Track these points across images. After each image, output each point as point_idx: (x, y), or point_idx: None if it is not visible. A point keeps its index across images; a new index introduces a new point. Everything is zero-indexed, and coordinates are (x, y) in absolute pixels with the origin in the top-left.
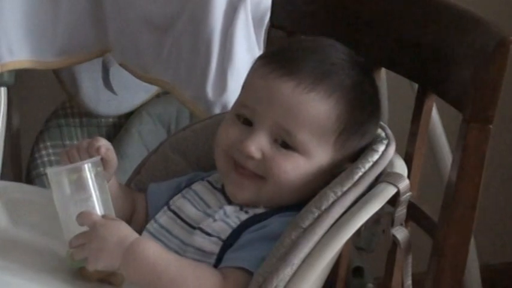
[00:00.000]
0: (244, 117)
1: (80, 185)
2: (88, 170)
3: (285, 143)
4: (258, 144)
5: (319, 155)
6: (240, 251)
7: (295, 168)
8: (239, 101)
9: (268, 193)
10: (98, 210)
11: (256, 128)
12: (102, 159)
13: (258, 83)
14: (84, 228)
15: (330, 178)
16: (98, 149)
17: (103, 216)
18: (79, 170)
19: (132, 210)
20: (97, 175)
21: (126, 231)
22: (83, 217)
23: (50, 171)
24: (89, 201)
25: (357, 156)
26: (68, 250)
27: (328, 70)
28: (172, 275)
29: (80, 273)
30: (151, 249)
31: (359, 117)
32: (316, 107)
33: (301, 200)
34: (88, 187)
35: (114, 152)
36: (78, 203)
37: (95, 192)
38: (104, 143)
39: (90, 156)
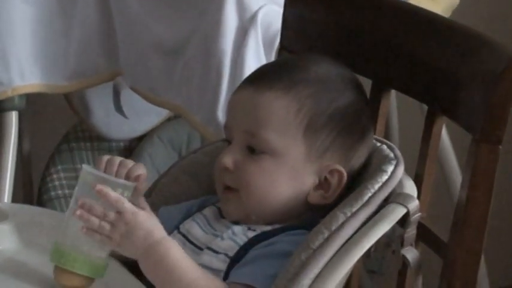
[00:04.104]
0: (228, 137)
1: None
2: (117, 190)
3: (253, 148)
4: (232, 156)
5: (289, 152)
6: (247, 267)
7: (262, 169)
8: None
9: (251, 203)
10: None
11: (232, 142)
12: (135, 187)
13: (229, 102)
14: (86, 237)
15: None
16: (137, 177)
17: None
18: (109, 185)
19: None
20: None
21: (154, 226)
22: (114, 199)
23: (86, 167)
24: None
25: (357, 171)
26: (54, 247)
27: (290, 71)
28: (187, 282)
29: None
30: (174, 252)
31: (325, 109)
32: (274, 104)
33: (300, 212)
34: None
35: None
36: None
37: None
38: (144, 174)
39: (127, 178)
